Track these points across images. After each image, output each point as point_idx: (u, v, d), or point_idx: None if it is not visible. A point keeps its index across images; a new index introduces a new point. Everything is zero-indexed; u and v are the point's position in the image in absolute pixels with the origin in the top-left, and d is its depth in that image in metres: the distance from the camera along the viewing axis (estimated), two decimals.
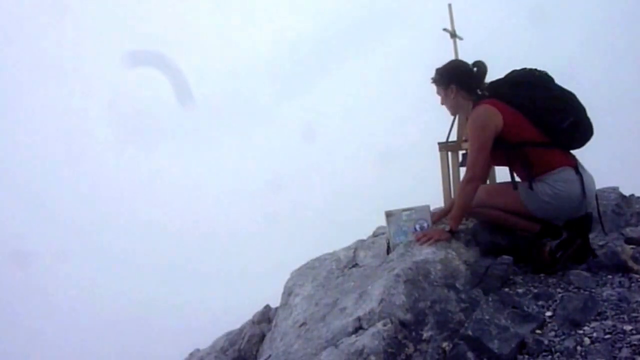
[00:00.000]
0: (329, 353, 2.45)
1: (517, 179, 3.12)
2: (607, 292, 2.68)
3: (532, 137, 3.02)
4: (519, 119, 3.03)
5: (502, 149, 3.04)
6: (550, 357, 2.28)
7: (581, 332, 2.39)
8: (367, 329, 2.49)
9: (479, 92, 3.22)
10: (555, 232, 3.05)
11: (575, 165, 3.05)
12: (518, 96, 3.05)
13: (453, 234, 3.12)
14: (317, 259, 3.99)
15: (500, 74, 3.23)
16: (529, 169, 3.00)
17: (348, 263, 3.72)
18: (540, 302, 2.69)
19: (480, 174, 3.09)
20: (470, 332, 2.43)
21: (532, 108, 3.02)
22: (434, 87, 3.35)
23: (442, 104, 3.37)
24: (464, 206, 3.11)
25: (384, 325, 2.45)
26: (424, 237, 3.09)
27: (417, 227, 3.31)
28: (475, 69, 3.23)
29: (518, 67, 3.18)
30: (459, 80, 3.21)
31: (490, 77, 3.25)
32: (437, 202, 3.99)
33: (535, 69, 3.13)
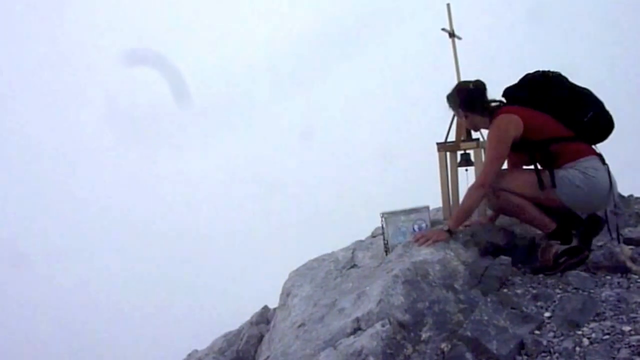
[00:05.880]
0: (328, 354, 2.44)
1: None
2: (605, 292, 2.68)
3: (556, 132, 3.05)
4: (541, 117, 3.07)
5: (526, 149, 3.06)
6: (549, 357, 2.28)
7: (580, 332, 2.38)
8: (365, 330, 2.48)
9: (490, 104, 3.26)
10: (566, 238, 3.04)
11: (601, 156, 3.08)
12: (536, 99, 3.10)
13: (451, 234, 3.11)
14: (316, 260, 3.98)
15: (500, 73, 3.26)
16: (554, 162, 3.01)
17: (346, 264, 3.72)
18: (539, 303, 2.69)
19: (492, 182, 3.10)
20: (469, 333, 2.43)
21: (551, 108, 3.07)
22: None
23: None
24: (467, 210, 3.13)
25: (383, 326, 2.44)
26: (422, 238, 3.09)
27: (416, 227, 3.31)
28: (472, 86, 3.30)
29: (518, 66, 3.25)
30: (464, 104, 3.31)
31: (490, 77, 3.29)
32: (436, 202, 3.98)
33: (549, 71, 3.18)
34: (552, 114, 3.08)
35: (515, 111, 3.08)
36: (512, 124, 3.03)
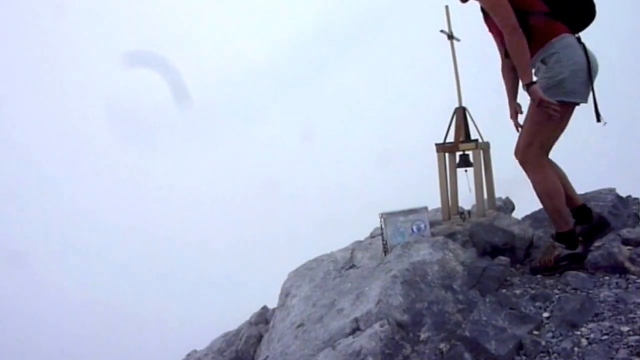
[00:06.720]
0: (327, 354, 2.45)
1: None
2: (604, 293, 2.68)
3: (536, 4, 2.98)
4: None
5: None
6: (547, 358, 2.28)
7: (578, 333, 2.39)
8: (364, 330, 2.49)
9: None
10: (572, 243, 3.02)
11: (578, 37, 3.01)
12: None
13: (534, 84, 2.89)
14: (315, 260, 3.98)
15: (499, 75, 3.25)
16: (531, 39, 2.94)
17: (345, 264, 3.71)
18: (537, 303, 2.69)
19: (516, 22, 2.93)
20: (467, 333, 2.43)
21: None
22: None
23: None
24: (521, 55, 2.94)
25: (381, 326, 2.45)
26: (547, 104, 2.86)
27: (414, 228, 3.31)
28: None
29: None
30: None
31: (490, 78, 3.28)
32: (434, 203, 3.99)
33: None
34: None
35: None
36: None
